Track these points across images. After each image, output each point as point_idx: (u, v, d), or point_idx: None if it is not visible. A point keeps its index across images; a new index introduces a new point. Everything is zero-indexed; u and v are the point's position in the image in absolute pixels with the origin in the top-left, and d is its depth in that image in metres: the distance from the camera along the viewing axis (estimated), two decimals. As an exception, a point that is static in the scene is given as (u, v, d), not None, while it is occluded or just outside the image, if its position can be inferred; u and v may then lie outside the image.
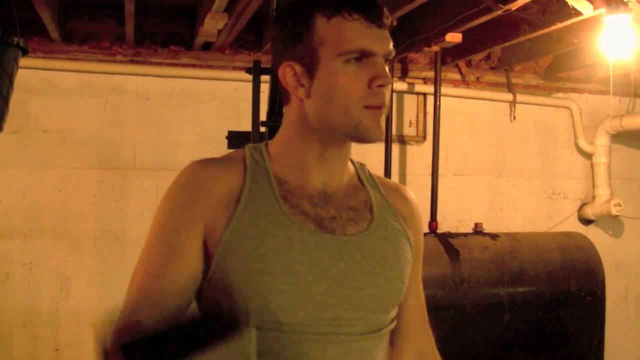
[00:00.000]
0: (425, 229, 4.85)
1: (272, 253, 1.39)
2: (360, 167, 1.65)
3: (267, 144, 1.57)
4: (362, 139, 1.46)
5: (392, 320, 1.57)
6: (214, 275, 1.41)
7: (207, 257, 1.42)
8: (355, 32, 1.42)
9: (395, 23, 1.41)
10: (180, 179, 1.48)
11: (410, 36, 4.74)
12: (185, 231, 1.42)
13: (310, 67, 1.45)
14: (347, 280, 1.44)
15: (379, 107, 1.43)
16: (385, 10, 1.46)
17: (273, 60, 1.56)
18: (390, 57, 1.48)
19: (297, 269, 1.40)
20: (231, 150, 1.59)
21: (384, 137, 1.49)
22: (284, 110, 1.57)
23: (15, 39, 2.89)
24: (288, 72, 1.48)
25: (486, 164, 5.67)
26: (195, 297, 1.46)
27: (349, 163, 1.61)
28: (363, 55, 1.42)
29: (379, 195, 1.61)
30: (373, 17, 1.43)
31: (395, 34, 4.89)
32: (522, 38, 4.45)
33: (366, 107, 1.42)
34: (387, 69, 1.44)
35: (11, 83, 2.91)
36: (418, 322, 1.71)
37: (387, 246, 1.53)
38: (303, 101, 1.47)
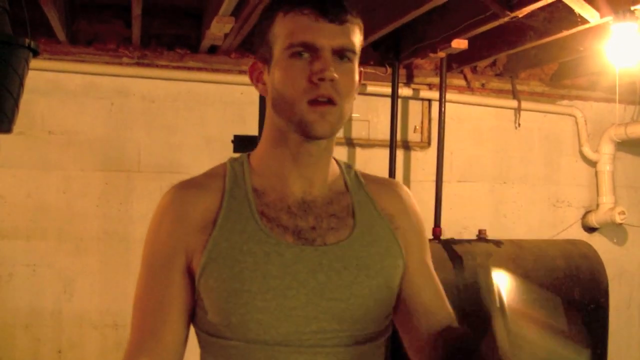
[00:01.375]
0: (429, 235, 4.81)
1: (248, 271, 1.39)
2: (346, 170, 1.61)
3: (249, 155, 1.56)
4: (307, 135, 1.42)
5: (386, 329, 1.53)
6: (198, 296, 1.43)
7: (192, 281, 1.44)
8: (301, 25, 1.40)
9: (354, 18, 1.34)
10: (160, 208, 1.50)
11: (415, 42, 4.74)
12: (169, 264, 1.44)
13: (268, 63, 1.45)
14: (328, 292, 1.42)
15: (325, 103, 1.39)
16: (345, 6, 1.43)
17: None
18: (347, 53, 1.43)
19: (274, 284, 1.39)
20: (229, 157, 1.57)
21: (334, 133, 1.44)
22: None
23: (27, 40, 2.88)
24: (255, 70, 1.50)
25: (490, 171, 5.66)
26: (192, 319, 1.49)
27: (333, 167, 1.57)
28: (308, 50, 1.40)
29: (364, 197, 1.57)
30: (324, 11, 1.40)
31: (400, 39, 4.90)
32: (527, 45, 4.45)
33: (310, 102, 1.39)
34: (332, 64, 1.40)
35: (22, 84, 2.91)
36: (434, 299, 1.61)
37: (372, 252, 1.49)
38: (268, 100, 1.48)
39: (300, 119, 1.40)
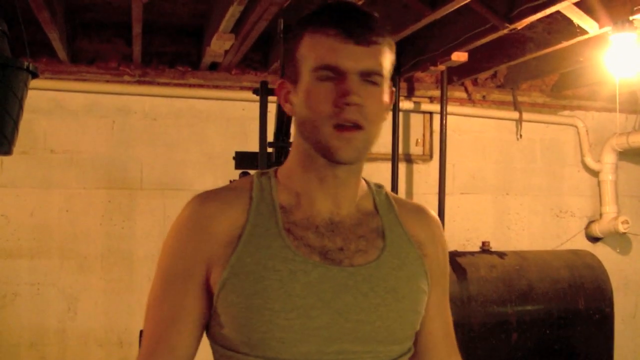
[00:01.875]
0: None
1: (272, 288, 1.36)
2: (376, 190, 1.58)
3: (276, 170, 1.53)
4: (332, 160, 1.40)
5: (409, 350, 1.52)
6: (216, 311, 1.41)
7: (211, 295, 1.42)
8: (327, 47, 1.37)
9: (380, 40, 1.31)
10: (181, 219, 1.46)
11: (416, 55, 4.75)
12: (188, 275, 1.42)
13: (295, 83, 1.43)
14: (353, 314, 1.39)
15: (351, 128, 1.36)
16: (373, 26, 1.40)
17: None
18: (374, 77, 1.40)
19: (298, 303, 1.36)
20: (236, 175, 1.56)
21: (360, 158, 1.44)
22: None
23: (26, 62, 2.89)
24: (282, 90, 1.47)
25: (493, 182, 5.66)
26: (206, 331, 1.47)
27: (362, 187, 1.55)
28: (334, 72, 1.37)
29: (394, 220, 1.54)
30: (349, 32, 1.37)
31: (401, 52, 4.90)
32: (528, 56, 4.46)
33: (335, 126, 1.36)
34: (359, 87, 1.37)
35: (21, 107, 2.92)
36: (445, 348, 1.64)
37: (400, 276, 1.47)
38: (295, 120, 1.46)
39: (326, 144, 1.37)
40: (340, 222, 1.47)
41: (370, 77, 1.39)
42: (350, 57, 1.37)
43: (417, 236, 1.55)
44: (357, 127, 1.37)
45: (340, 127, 1.36)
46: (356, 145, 1.38)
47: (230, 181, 1.58)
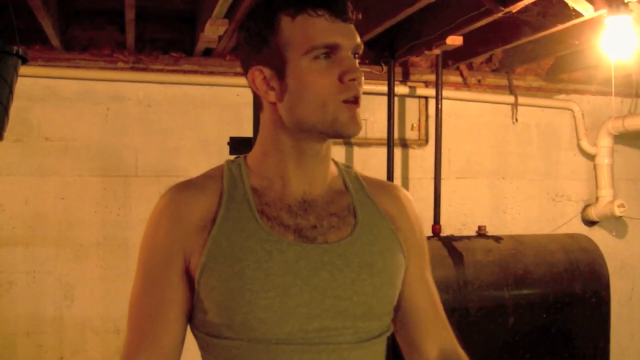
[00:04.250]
0: (428, 233, 4.84)
1: (250, 269, 1.38)
2: (345, 170, 1.62)
3: (245, 157, 1.56)
4: (340, 135, 1.44)
5: (388, 329, 1.54)
6: (197, 297, 1.42)
7: (191, 282, 1.43)
8: (320, 28, 1.40)
9: (360, 17, 1.38)
10: (156, 211, 1.49)
11: (411, 40, 4.74)
12: (167, 266, 1.44)
13: (279, 69, 1.43)
14: (330, 290, 1.42)
15: (355, 102, 1.42)
16: (350, 4, 1.44)
17: (242, 66, 1.54)
18: (359, 52, 1.46)
19: (277, 282, 1.38)
20: (226, 159, 1.57)
21: (359, 131, 1.46)
22: (260, 117, 1.55)
23: (15, 47, 2.89)
24: (257, 77, 1.46)
25: (489, 167, 5.66)
26: (189, 321, 1.49)
27: (332, 167, 1.58)
28: (331, 51, 1.40)
29: (365, 198, 1.57)
30: (337, 11, 1.42)
31: (395, 37, 4.90)
32: (523, 40, 4.44)
33: (344, 102, 1.41)
34: (357, 63, 1.44)
35: (11, 92, 2.91)
36: (433, 321, 1.67)
37: (374, 250, 1.50)
38: (275, 105, 1.46)
39: (334, 119, 1.40)
40: (312, 200, 1.49)
41: (357, 52, 1.45)
42: (344, 34, 1.42)
43: (389, 210, 1.58)
44: (356, 101, 1.42)
45: (346, 102, 1.40)
46: (359, 120, 1.43)
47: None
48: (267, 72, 1.45)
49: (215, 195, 1.46)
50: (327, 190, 1.53)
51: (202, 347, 1.48)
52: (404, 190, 1.69)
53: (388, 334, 1.55)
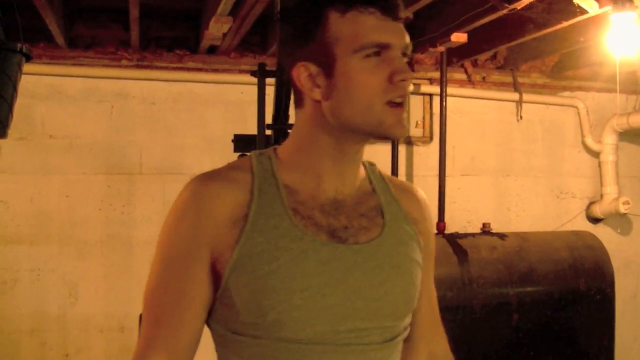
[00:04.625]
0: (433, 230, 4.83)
1: (285, 268, 1.36)
2: (370, 169, 1.60)
3: (275, 150, 1.52)
4: (386, 137, 1.42)
5: (406, 328, 1.54)
6: (225, 293, 1.39)
7: (217, 277, 1.39)
8: (371, 25, 1.37)
9: (411, 16, 1.37)
10: (182, 201, 1.43)
11: (415, 37, 4.71)
12: (192, 259, 1.39)
13: (327, 66, 1.39)
14: (363, 290, 1.40)
15: (401, 104, 1.39)
16: (400, 3, 1.42)
17: (282, 62, 1.50)
18: (408, 52, 1.43)
19: (312, 282, 1.36)
20: (235, 158, 1.54)
21: (406, 134, 1.46)
22: (295, 114, 1.51)
23: (19, 45, 2.88)
24: (302, 73, 1.42)
25: (493, 164, 5.65)
26: (208, 316, 1.45)
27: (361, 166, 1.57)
28: (381, 50, 1.37)
29: (390, 198, 1.56)
30: (388, 10, 1.39)
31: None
32: (527, 37, 4.43)
33: (388, 103, 1.37)
34: (404, 62, 1.41)
35: (15, 89, 2.91)
36: (430, 323, 1.68)
37: (400, 251, 1.50)
38: (319, 103, 1.42)
39: (380, 122, 1.38)
40: (343, 200, 1.48)
41: (406, 52, 1.42)
42: (394, 33, 1.40)
43: (412, 214, 1.58)
44: (402, 103, 1.39)
45: (392, 104, 1.38)
46: (404, 122, 1.41)
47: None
48: (313, 68, 1.41)
49: (245, 189, 1.42)
50: (357, 191, 1.52)
51: (221, 344, 1.45)
52: (422, 193, 1.68)
53: (406, 333, 1.55)
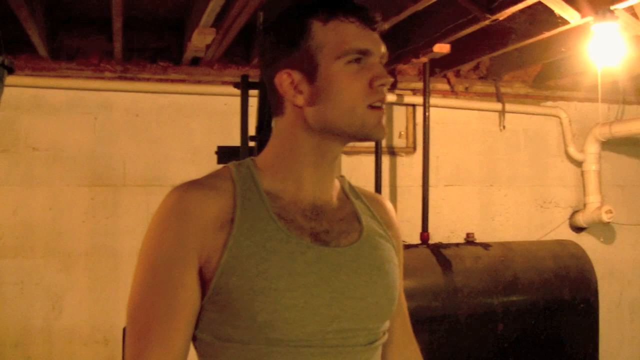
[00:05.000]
0: (417, 240, 4.85)
1: (275, 268, 1.37)
2: (341, 179, 1.64)
3: (253, 160, 1.55)
4: (367, 138, 1.47)
5: (385, 332, 1.55)
6: (212, 298, 1.38)
7: (204, 283, 1.39)
8: (352, 33, 1.43)
9: (386, 27, 1.45)
10: (165, 208, 1.42)
11: (398, 47, 4.75)
12: (180, 265, 1.38)
13: (310, 73, 1.44)
14: (349, 291, 1.43)
15: (380, 108, 1.45)
16: (378, 14, 1.48)
17: (264, 71, 1.53)
18: (384, 60, 1.49)
19: (301, 282, 1.38)
20: (215, 169, 1.54)
21: (385, 135, 1.50)
22: (274, 121, 1.54)
23: (1, 58, 2.88)
24: (285, 80, 1.46)
25: (477, 174, 5.67)
26: None
27: None
28: (362, 56, 1.43)
29: (362, 205, 1.61)
30: (367, 19, 1.45)
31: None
32: (510, 47, 4.46)
33: (369, 106, 1.43)
34: (383, 67, 1.47)
35: (-3, 102, 2.90)
36: (403, 332, 1.71)
37: (379, 254, 1.52)
38: (302, 109, 1.46)
39: (363, 123, 1.44)
40: (322, 206, 1.51)
41: (382, 60, 1.49)
42: (373, 41, 1.47)
43: (383, 218, 1.63)
44: (382, 106, 1.46)
45: (373, 107, 1.44)
46: (383, 124, 1.48)
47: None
48: (296, 75, 1.45)
49: (228, 196, 1.44)
50: (333, 197, 1.55)
51: (207, 354, 1.44)
52: (389, 202, 1.72)
53: (385, 338, 1.56)
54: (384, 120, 1.47)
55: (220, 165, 1.56)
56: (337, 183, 1.60)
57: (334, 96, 1.43)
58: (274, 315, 1.35)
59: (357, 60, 1.43)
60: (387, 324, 1.55)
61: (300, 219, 1.46)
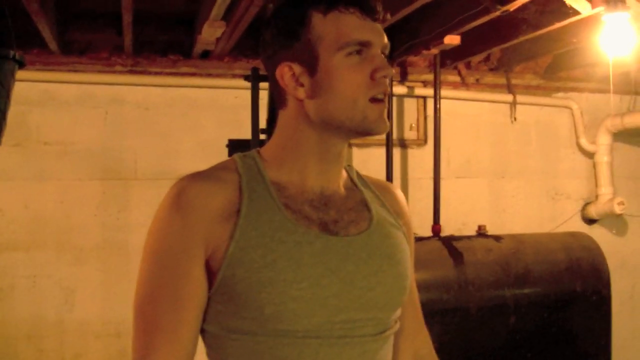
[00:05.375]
0: (428, 233, 4.84)
1: (282, 260, 1.36)
2: (348, 168, 1.63)
3: (258, 151, 1.54)
4: (369, 132, 1.45)
5: (396, 321, 1.55)
6: (219, 289, 1.38)
7: (210, 275, 1.38)
8: (352, 24, 1.41)
9: (389, 17, 1.43)
10: (171, 200, 1.42)
11: (408, 39, 4.73)
12: (187, 257, 1.37)
13: (310, 65, 1.43)
14: (357, 281, 1.42)
15: (382, 100, 1.43)
16: (379, 4, 1.46)
17: (266, 63, 1.53)
18: (386, 51, 1.47)
19: (309, 273, 1.37)
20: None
21: (387, 129, 1.48)
22: (278, 114, 1.54)
23: (12, 52, 2.88)
24: (286, 73, 1.45)
25: (488, 166, 5.66)
26: None
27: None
28: (363, 48, 1.41)
29: (372, 194, 1.60)
30: (368, 10, 1.43)
31: (393, 37, 4.89)
32: (521, 38, 4.44)
33: (371, 99, 1.41)
34: (385, 59, 1.45)
35: (8, 97, 2.91)
36: (413, 321, 1.70)
37: (389, 243, 1.51)
38: (303, 101, 1.45)
39: (364, 117, 1.42)
40: (330, 195, 1.50)
41: (385, 51, 1.46)
42: (374, 32, 1.44)
43: (393, 207, 1.62)
44: (385, 99, 1.44)
45: (374, 100, 1.42)
46: (385, 117, 1.46)
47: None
48: (296, 68, 1.44)
49: (234, 187, 1.43)
50: (341, 187, 1.55)
51: (214, 346, 1.43)
52: (399, 190, 1.72)
53: (397, 327, 1.55)
54: (385, 114, 1.45)
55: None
56: (344, 172, 1.59)
57: (335, 89, 1.42)
58: (280, 307, 1.34)
59: (358, 52, 1.42)
60: (398, 312, 1.54)
61: (308, 208, 1.45)
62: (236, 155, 1.53)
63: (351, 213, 1.51)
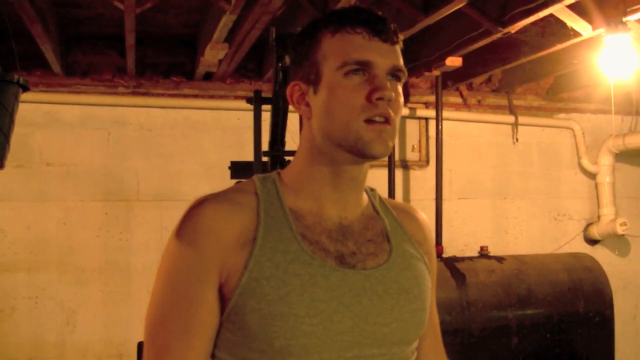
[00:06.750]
0: (431, 254, 4.83)
1: (295, 294, 1.33)
2: (371, 193, 1.58)
3: (279, 173, 1.50)
4: (363, 155, 1.39)
5: (413, 352, 1.51)
6: (230, 317, 1.35)
7: (222, 301, 1.36)
8: (356, 44, 1.38)
9: (401, 38, 1.38)
10: (187, 223, 1.38)
11: (410, 61, 4.75)
12: (200, 283, 1.35)
13: (315, 84, 1.41)
14: (372, 317, 1.38)
15: (382, 122, 1.36)
16: (392, 25, 1.42)
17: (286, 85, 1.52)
18: (399, 73, 1.42)
19: (322, 308, 1.34)
20: (236, 181, 1.52)
21: (389, 152, 1.43)
22: (300, 136, 1.51)
23: (16, 76, 2.89)
24: (295, 92, 1.44)
25: (490, 187, 5.66)
26: None
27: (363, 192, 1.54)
28: (363, 68, 1.37)
29: (394, 222, 1.54)
30: (376, 30, 1.39)
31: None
32: (522, 60, 4.46)
33: (367, 121, 1.36)
34: (388, 83, 1.38)
35: (12, 120, 2.92)
36: (434, 348, 1.66)
37: (409, 276, 1.47)
38: (310, 121, 1.43)
39: (357, 138, 1.36)
40: (349, 226, 1.46)
41: (396, 72, 1.41)
42: (379, 53, 1.39)
43: (415, 236, 1.56)
44: (386, 121, 1.37)
45: (371, 122, 1.36)
46: (386, 139, 1.38)
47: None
48: (304, 87, 1.43)
49: (251, 212, 1.40)
50: (361, 216, 1.50)
51: None
52: (422, 214, 1.66)
53: (414, 357, 1.52)
54: (385, 136, 1.37)
55: (234, 181, 1.55)
56: (366, 199, 1.54)
57: (331, 108, 1.38)
58: (291, 342, 1.32)
59: (359, 72, 1.37)
60: (415, 344, 1.50)
61: (326, 240, 1.42)
62: (256, 177, 1.49)
63: (370, 245, 1.46)
